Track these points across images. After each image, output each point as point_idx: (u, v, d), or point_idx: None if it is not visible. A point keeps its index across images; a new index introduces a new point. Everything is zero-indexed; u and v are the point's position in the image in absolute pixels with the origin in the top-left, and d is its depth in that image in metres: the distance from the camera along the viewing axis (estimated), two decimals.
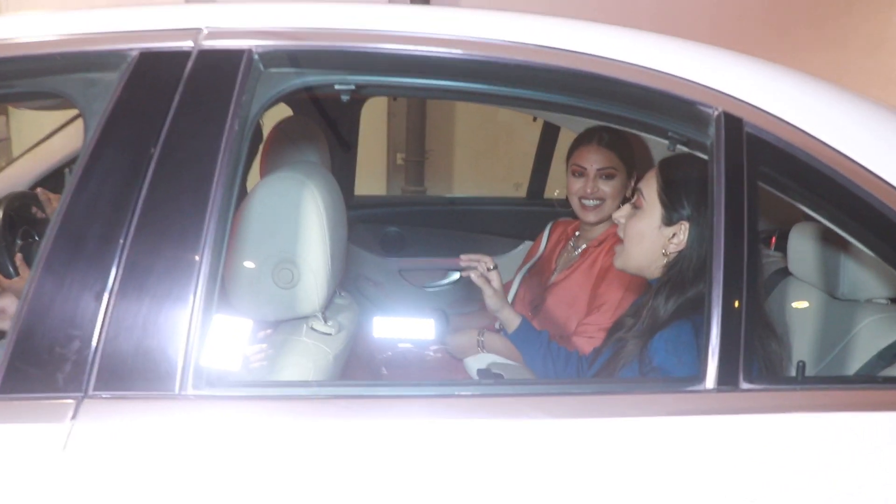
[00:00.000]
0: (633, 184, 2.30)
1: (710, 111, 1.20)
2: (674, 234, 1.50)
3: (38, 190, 1.84)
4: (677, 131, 1.26)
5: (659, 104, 1.24)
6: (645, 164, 2.61)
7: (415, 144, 4.87)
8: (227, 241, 1.08)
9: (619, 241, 1.65)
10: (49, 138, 2.49)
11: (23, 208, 1.76)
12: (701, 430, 1.08)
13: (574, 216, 2.49)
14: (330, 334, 1.46)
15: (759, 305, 1.18)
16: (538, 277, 2.44)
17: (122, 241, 1.05)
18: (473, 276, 1.90)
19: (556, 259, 2.44)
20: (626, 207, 1.60)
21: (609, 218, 2.29)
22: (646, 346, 1.47)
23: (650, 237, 1.51)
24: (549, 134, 3.04)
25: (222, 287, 1.32)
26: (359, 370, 2.06)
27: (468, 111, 4.83)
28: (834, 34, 4.51)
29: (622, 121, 1.29)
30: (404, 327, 2.25)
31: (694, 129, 1.24)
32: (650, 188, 1.55)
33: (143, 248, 1.05)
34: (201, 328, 1.04)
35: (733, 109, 1.20)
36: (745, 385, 1.11)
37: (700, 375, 1.12)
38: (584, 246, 2.36)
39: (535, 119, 2.89)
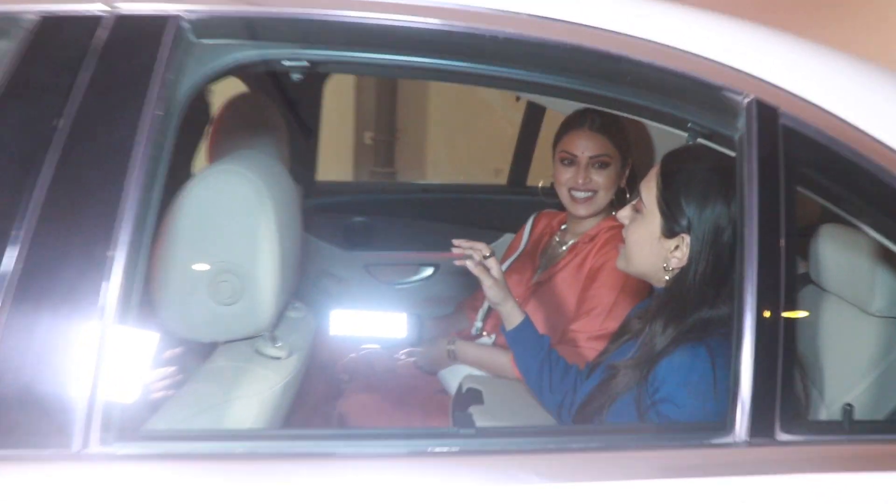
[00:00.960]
0: (627, 172, 2.18)
1: (739, 98, 1.09)
2: (675, 247, 1.38)
3: None
4: (699, 122, 1.14)
5: (677, 89, 1.12)
6: (643, 151, 2.49)
7: (385, 122, 4.78)
8: (144, 252, 0.98)
9: (622, 240, 1.54)
10: None
11: None
12: (730, 493, 0.96)
13: (560, 207, 2.37)
14: (279, 358, 1.34)
15: (796, 336, 1.04)
16: (519, 275, 2.31)
17: (11, 253, 0.94)
18: (470, 264, 1.76)
19: (540, 255, 2.31)
20: (628, 209, 1.49)
21: (602, 211, 2.17)
22: (646, 374, 1.35)
23: (650, 247, 1.42)
24: (534, 115, 2.93)
25: (149, 306, 1.18)
26: (316, 378, 1.93)
27: (444, 86, 4.67)
28: (834, 10, 4.43)
29: (632, 109, 1.17)
30: (370, 324, 2.11)
31: (719, 120, 1.12)
32: (650, 192, 1.42)
33: (37, 264, 0.94)
34: (111, 365, 0.93)
35: (767, 97, 1.09)
36: (782, 436, 1.00)
37: (727, 424, 1.00)
38: (571, 241, 2.23)
39: (518, 98, 2.76)
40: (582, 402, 1.51)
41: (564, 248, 2.25)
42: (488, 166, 4.27)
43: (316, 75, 2.67)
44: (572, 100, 1.19)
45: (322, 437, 1.03)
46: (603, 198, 2.14)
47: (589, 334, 2.00)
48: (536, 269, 2.28)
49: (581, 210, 2.15)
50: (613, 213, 2.21)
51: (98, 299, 0.93)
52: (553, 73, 1.12)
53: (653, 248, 1.41)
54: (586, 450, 0.98)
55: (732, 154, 1.11)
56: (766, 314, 1.01)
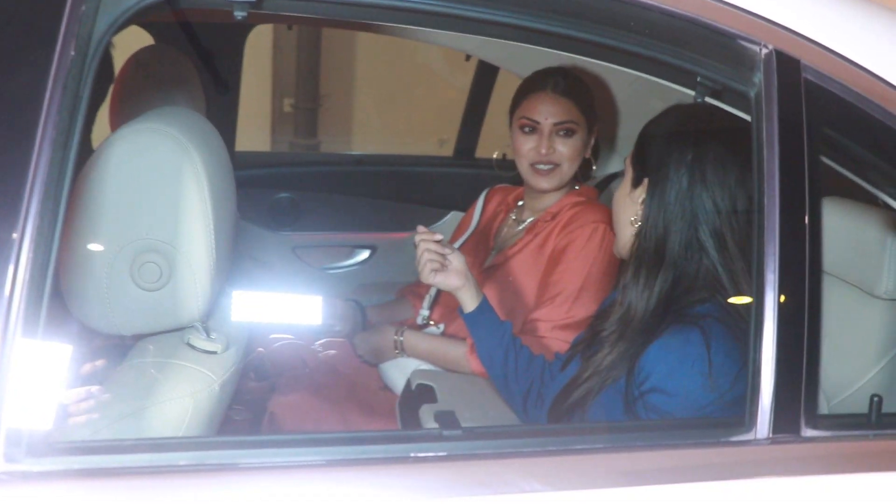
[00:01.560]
0: (593, 141, 2.14)
1: (756, 49, 1.06)
2: (640, 198, 1.42)
3: None
4: (710, 76, 1.08)
5: (686, 38, 1.07)
6: (607, 115, 2.46)
7: (307, 87, 4.69)
8: (60, 224, 0.90)
9: (592, 217, 1.53)
10: None
11: None
12: (753, 495, 0.93)
13: (515, 181, 2.33)
14: (215, 352, 1.26)
15: (820, 322, 1.00)
16: (470, 258, 2.24)
17: None
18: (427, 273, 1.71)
19: (494, 236, 2.26)
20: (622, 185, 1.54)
21: (565, 185, 2.13)
22: (633, 362, 1.32)
23: (623, 205, 1.47)
24: (485, 77, 2.87)
25: (57, 292, 1.07)
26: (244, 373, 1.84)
27: (374, 45, 4.58)
28: None
29: (634, 60, 1.11)
30: (280, 308, 2.02)
31: (733, 74, 1.08)
32: (634, 149, 1.48)
33: None
34: (17, 368, 0.86)
35: (788, 47, 1.06)
36: (807, 432, 0.97)
37: (747, 419, 0.98)
38: (530, 219, 2.19)
39: (468, 58, 2.69)
40: (558, 395, 1.46)
41: (522, 226, 2.20)
42: (431, 136, 4.24)
43: (240, 25, 2.57)
44: (565, 50, 1.13)
45: (280, 445, 0.94)
46: (567, 170, 2.10)
47: (554, 323, 1.95)
48: (490, 252, 2.23)
49: (544, 183, 2.10)
50: (576, 186, 2.18)
51: (3, 290, 0.84)
52: (543, 16, 1.04)
53: (625, 206, 1.45)
54: (591, 451, 0.94)
55: (736, 114, 1.07)
56: (789, 298, 0.98)
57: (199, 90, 2.13)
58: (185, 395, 1.17)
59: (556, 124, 2.06)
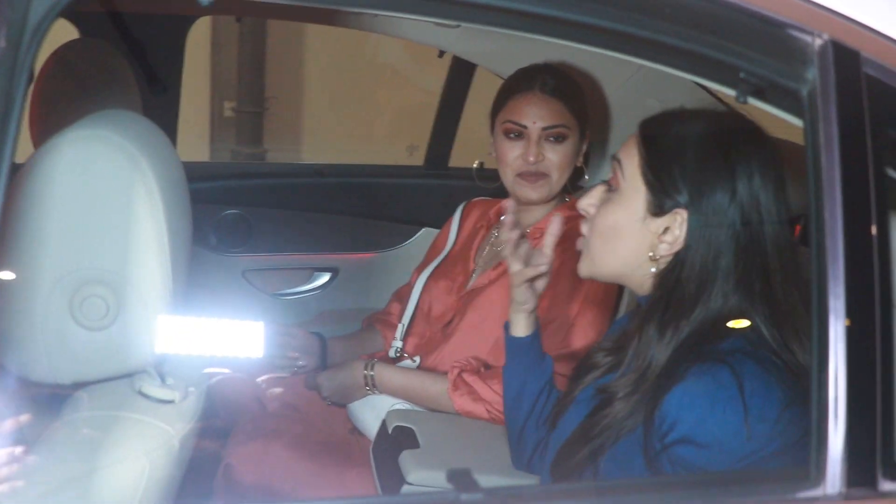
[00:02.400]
0: (585, 149, 2.13)
1: (808, 39, 1.04)
2: (665, 229, 1.34)
3: None
4: (755, 72, 1.05)
5: (728, 27, 1.05)
6: (599, 117, 2.44)
7: (250, 89, 4.65)
8: None
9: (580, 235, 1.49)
10: None
11: None
12: None
13: (495, 193, 2.31)
14: (172, 401, 1.20)
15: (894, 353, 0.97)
16: (448, 282, 2.23)
17: None
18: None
19: (475, 256, 2.23)
20: (596, 192, 1.44)
21: (556, 196, 2.12)
22: (651, 410, 1.27)
23: (630, 233, 1.38)
24: (460, 76, 2.84)
25: None
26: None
27: (328, 40, 4.54)
28: None
29: (669, 55, 1.07)
30: (215, 337, 1.97)
31: (782, 69, 1.05)
32: (630, 160, 1.38)
33: None
34: None
35: (846, 37, 1.03)
36: (885, 485, 0.94)
37: (814, 472, 0.95)
38: (499, 235, 2.15)
39: (441, 54, 2.67)
40: (562, 449, 1.41)
41: (491, 242, 2.18)
42: (398, 144, 4.20)
43: (177, 18, 2.52)
44: (584, 42, 1.08)
45: None
46: (558, 179, 2.08)
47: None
48: (471, 274, 2.20)
49: (531, 193, 2.08)
50: (567, 198, 2.15)
51: None
52: (566, 5, 1.00)
53: (634, 234, 1.37)
54: None
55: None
56: (857, 328, 0.96)
57: (134, 91, 2.08)
58: (139, 454, 1.11)
59: (545, 129, 2.04)
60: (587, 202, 1.43)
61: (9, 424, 1.09)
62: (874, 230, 0.97)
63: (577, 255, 1.96)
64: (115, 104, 2.01)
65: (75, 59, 2.03)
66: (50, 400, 1.20)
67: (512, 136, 2.07)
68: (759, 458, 1.18)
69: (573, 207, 2.11)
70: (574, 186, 2.18)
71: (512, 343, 1.66)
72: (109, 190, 1.12)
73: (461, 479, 0.90)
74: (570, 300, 1.96)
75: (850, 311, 0.95)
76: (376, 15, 2.18)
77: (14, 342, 1.13)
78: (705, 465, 1.20)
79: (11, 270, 1.12)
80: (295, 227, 2.81)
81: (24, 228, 1.11)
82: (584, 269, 1.46)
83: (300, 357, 2.18)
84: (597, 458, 1.31)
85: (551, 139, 2.04)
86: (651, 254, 1.35)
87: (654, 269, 1.35)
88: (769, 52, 1.05)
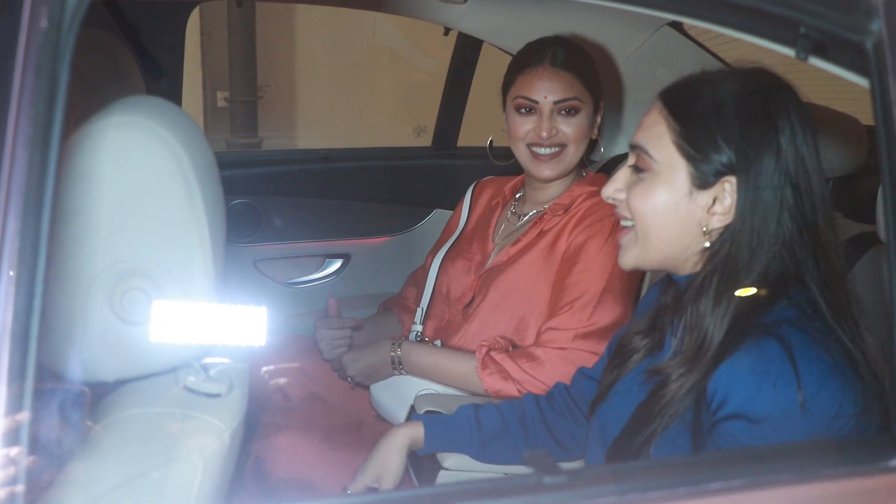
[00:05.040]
0: (600, 120, 2.11)
1: None
2: (714, 200, 1.28)
3: None
4: (816, 25, 0.99)
5: None
6: (612, 93, 2.41)
7: (243, 78, 4.56)
8: (44, 246, 0.84)
9: (617, 224, 1.44)
10: None
11: None
12: None
13: (509, 171, 2.28)
14: (219, 394, 1.15)
15: None
16: (465, 262, 2.19)
17: None
18: None
19: (494, 234, 2.20)
20: (622, 174, 1.37)
21: (572, 171, 2.09)
22: (702, 387, 1.23)
23: (678, 212, 1.31)
24: (466, 54, 2.81)
25: None
26: None
27: (322, 24, 4.47)
28: None
29: (722, 12, 1.00)
30: (215, 324, 1.92)
31: (844, 21, 1.00)
32: (658, 138, 1.31)
33: None
34: None
35: None
36: None
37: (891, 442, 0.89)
38: (534, 212, 2.13)
39: (446, 32, 2.62)
40: (621, 434, 1.36)
41: (524, 221, 2.15)
42: (405, 124, 4.13)
43: (177, 4, 2.46)
44: (641, 5, 1.03)
45: None
46: (573, 154, 2.06)
47: (575, 331, 1.89)
48: (489, 252, 2.17)
49: (546, 171, 2.05)
50: (584, 173, 2.12)
51: None
52: None
53: (682, 212, 1.30)
54: (729, 490, 0.84)
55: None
56: None
57: (139, 81, 2.06)
58: (191, 451, 1.06)
59: (556, 102, 2.01)
60: (612, 188, 1.37)
61: (54, 424, 1.05)
62: None
63: (602, 231, 1.94)
64: (119, 94, 1.97)
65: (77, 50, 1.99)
66: (94, 398, 1.16)
67: (523, 111, 2.04)
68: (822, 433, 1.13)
69: (593, 182, 2.08)
70: (589, 160, 2.15)
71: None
72: (147, 178, 1.08)
73: (539, 461, 0.86)
74: (596, 277, 1.92)
75: None
76: None
77: (54, 340, 1.08)
78: (758, 440, 1.15)
79: (49, 265, 1.03)
80: (305, 214, 2.78)
81: (60, 220, 1.04)
82: (631, 259, 1.38)
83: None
84: (650, 443, 1.27)
85: (563, 112, 2.02)
86: (704, 228, 1.29)
87: (707, 244, 1.30)
88: (830, 4, 1.00)
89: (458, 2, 2.26)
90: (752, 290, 1.25)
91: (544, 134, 2.00)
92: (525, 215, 2.14)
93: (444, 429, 1.70)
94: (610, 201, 1.38)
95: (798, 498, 0.88)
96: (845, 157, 1.89)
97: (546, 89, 2.01)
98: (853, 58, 1.02)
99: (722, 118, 1.28)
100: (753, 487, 0.86)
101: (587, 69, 2.06)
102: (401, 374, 2.01)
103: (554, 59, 2.03)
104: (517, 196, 2.21)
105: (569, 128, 2.01)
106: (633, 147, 1.34)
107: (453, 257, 2.22)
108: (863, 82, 1.02)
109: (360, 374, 2.04)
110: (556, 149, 2.02)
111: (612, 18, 2.37)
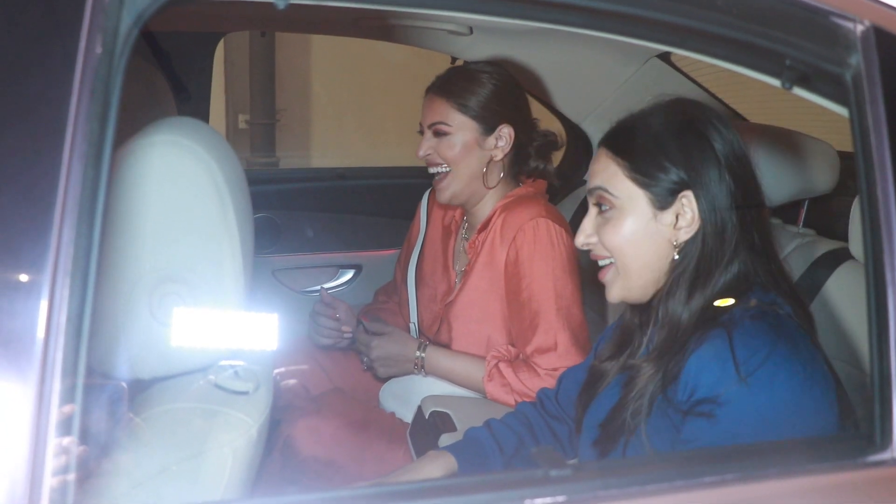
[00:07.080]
0: (504, 143, 1.99)
1: (850, 26, 1.00)
2: (677, 216, 1.31)
3: None
4: (800, 58, 1.00)
5: (773, 16, 1.01)
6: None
7: (262, 102, 4.55)
8: (96, 254, 0.81)
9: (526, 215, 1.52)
10: None
11: None
12: None
13: None
14: (247, 392, 1.14)
15: None
16: (430, 290, 2.14)
17: None
18: None
19: (454, 264, 2.13)
20: (590, 220, 1.38)
21: (495, 189, 2.01)
22: (675, 374, 1.24)
23: (647, 234, 1.33)
24: None
25: None
26: None
27: (334, 53, 4.46)
28: None
29: (718, 45, 1.01)
30: (231, 330, 1.91)
31: (826, 55, 1.01)
32: (611, 177, 1.34)
33: None
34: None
35: (886, 22, 0.99)
36: None
37: (878, 435, 0.90)
38: (468, 238, 2.07)
39: (453, 61, 2.55)
40: (603, 423, 1.37)
41: (464, 246, 2.09)
42: (414, 146, 4.06)
43: (210, 35, 2.46)
44: (633, 36, 1.04)
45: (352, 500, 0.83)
46: (461, 175, 1.98)
47: (554, 352, 1.85)
48: (454, 283, 2.09)
49: (438, 192, 2.01)
50: (510, 189, 2.04)
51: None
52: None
53: (651, 235, 1.32)
54: (722, 483, 0.84)
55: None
56: None
57: (171, 104, 2.02)
58: (222, 444, 1.06)
59: (430, 125, 1.99)
60: (583, 237, 1.37)
61: (102, 417, 1.05)
62: None
63: (526, 239, 1.87)
64: (155, 116, 1.96)
65: None
66: (131, 394, 1.15)
67: (419, 133, 2.03)
68: (797, 420, 1.12)
69: (510, 195, 1.99)
70: (515, 177, 2.06)
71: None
72: (186, 193, 1.08)
73: (546, 456, 0.86)
74: (544, 285, 1.88)
75: None
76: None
77: (96, 340, 1.02)
78: (732, 421, 1.16)
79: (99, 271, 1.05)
80: (320, 227, 2.75)
81: (106, 230, 1.04)
82: (617, 292, 1.38)
83: (349, 329, 2.13)
84: (634, 431, 1.27)
85: (435, 135, 1.98)
86: (675, 243, 1.31)
87: (676, 256, 1.31)
88: (813, 39, 1.00)
89: (465, 33, 2.25)
90: (719, 286, 1.29)
91: (420, 152, 1.99)
92: (467, 239, 2.07)
93: (473, 455, 1.64)
94: (584, 248, 1.38)
95: (785, 490, 0.88)
96: (819, 180, 1.90)
97: (424, 113, 2.00)
98: (834, 88, 1.02)
99: (661, 144, 1.31)
100: (744, 481, 0.86)
101: (468, 95, 1.96)
102: (419, 374, 1.99)
103: (432, 87, 2.01)
104: (464, 220, 2.13)
105: (441, 149, 1.97)
106: (593, 190, 1.36)
107: (420, 284, 2.17)
108: (842, 111, 1.02)
109: (380, 359, 1.99)
110: (440, 169, 1.99)
111: (604, 52, 2.37)
